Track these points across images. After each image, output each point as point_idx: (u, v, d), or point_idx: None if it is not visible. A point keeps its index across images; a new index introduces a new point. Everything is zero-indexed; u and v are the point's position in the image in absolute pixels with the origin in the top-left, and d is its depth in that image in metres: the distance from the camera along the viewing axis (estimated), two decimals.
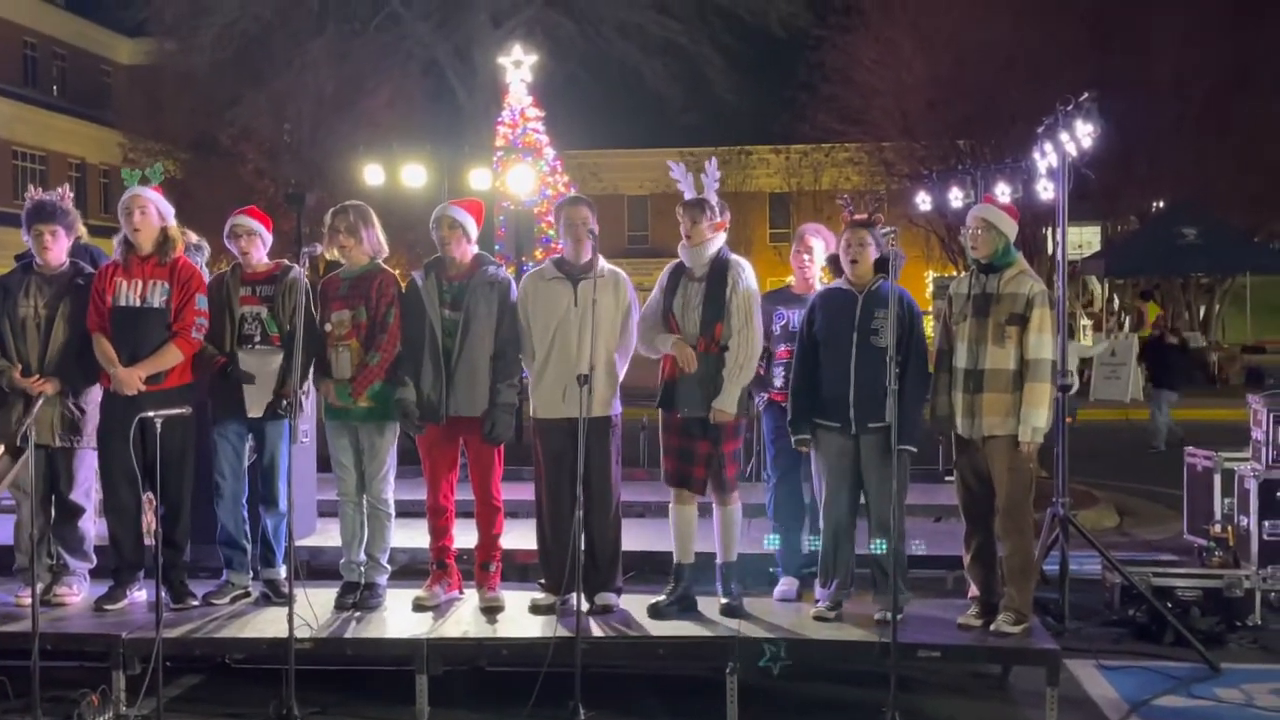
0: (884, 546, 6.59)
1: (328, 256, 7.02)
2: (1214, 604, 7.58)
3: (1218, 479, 8.94)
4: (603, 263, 6.76)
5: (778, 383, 7.10)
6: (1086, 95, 7.78)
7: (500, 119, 23.66)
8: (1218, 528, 8.38)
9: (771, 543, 7.17)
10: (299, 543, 7.47)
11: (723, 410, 6.55)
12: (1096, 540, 7.96)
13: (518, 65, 23.58)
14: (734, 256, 6.78)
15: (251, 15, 30.03)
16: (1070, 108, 7.82)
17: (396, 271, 7.22)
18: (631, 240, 44.18)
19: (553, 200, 22.39)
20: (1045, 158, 8.45)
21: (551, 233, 21.72)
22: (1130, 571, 7.57)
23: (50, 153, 39.96)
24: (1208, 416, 19.14)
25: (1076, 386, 17.15)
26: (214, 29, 29.66)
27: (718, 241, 6.75)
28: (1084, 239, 32.82)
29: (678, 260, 6.81)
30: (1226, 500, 8.75)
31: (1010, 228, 6.56)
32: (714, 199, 6.77)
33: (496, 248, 21.23)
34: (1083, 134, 7.78)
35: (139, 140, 33.15)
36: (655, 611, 6.64)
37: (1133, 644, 7.33)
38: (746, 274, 6.72)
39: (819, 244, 7.30)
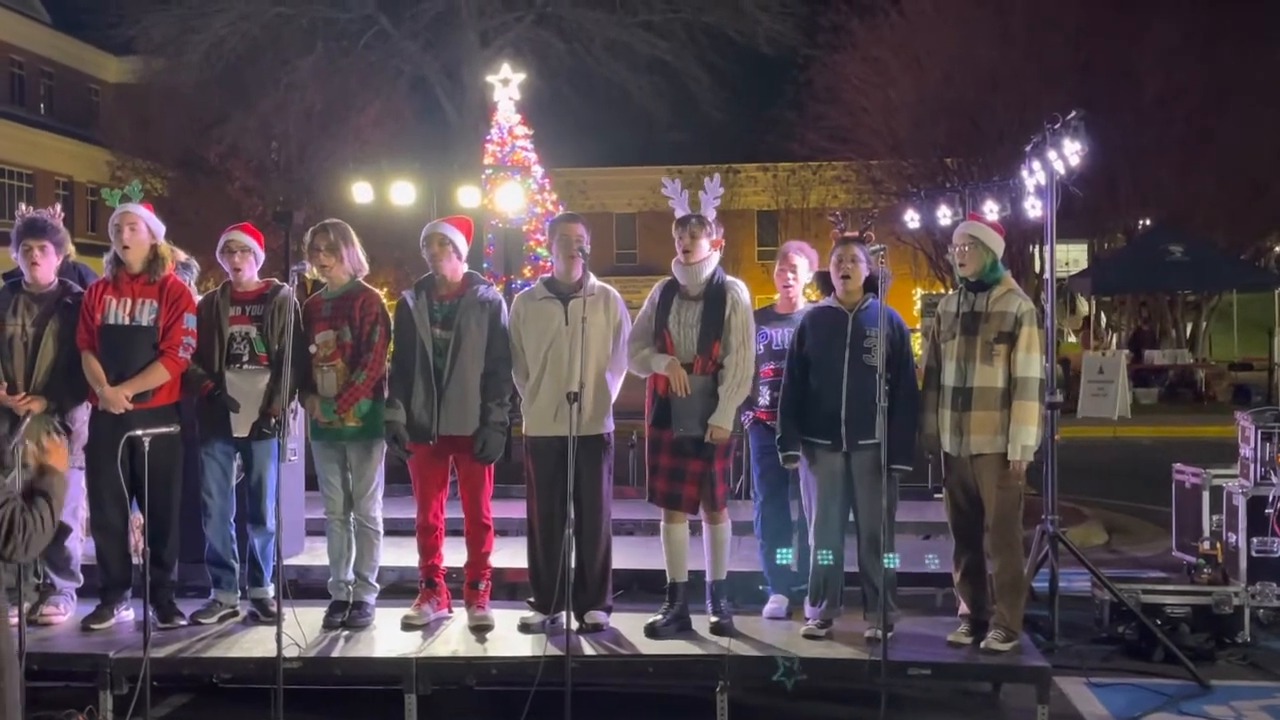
0: (829, 558, 6.61)
1: (309, 276, 7.01)
2: (1203, 621, 7.59)
3: (1206, 496, 8.94)
4: (593, 280, 6.75)
5: (763, 401, 7.09)
6: (1074, 114, 7.81)
7: (489, 137, 23.70)
8: (1206, 544, 8.38)
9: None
10: (287, 561, 7.40)
11: (720, 427, 6.53)
12: (1086, 557, 7.96)
13: (505, 83, 23.64)
14: (730, 277, 6.79)
15: (240, 34, 30.12)
16: (1058, 126, 7.84)
17: (384, 289, 7.21)
18: (619, 258, 44.15)
19: (541, 218, 22.44)
20: (1033, 176, 8.46)
21: (541, 250, 21.77)
22: (1120, 589, 7.58)
23: (38, 171, 39.88)
24: (1195, 433, 19.22)
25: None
26: (202, 47, 29.72)
27: (714, 260, 6.74)
28: (1070, 257, 32.93)
29: (670, 278, 6.79)
30: (1215, 517, 8.75)
31: (997, 244, 6.58)
32: (712, 215, 6.78)
33: (485, 265, 21.21)
34: (1070, 152, 7.80)
35: (126, 159, 33.14)
36: (652, 631, 6.61)
37: (1122, 661, 7.32)
38: (744, 294, 6.72)
39: (803, 261, 7.29)
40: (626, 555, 7.70)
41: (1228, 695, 6.75)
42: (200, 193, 29.83)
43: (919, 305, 33.00)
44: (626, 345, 6.78)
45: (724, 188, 7.15)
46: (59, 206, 7.39)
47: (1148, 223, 30.14)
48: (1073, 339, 28.56)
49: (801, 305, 7.23)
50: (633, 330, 6.81)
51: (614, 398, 6.85)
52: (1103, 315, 31.85)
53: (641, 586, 7.73)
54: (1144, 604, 7.53)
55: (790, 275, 7.28)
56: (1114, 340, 30.48)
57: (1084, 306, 32.81)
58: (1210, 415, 21.65)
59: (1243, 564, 8.07)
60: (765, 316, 7.31)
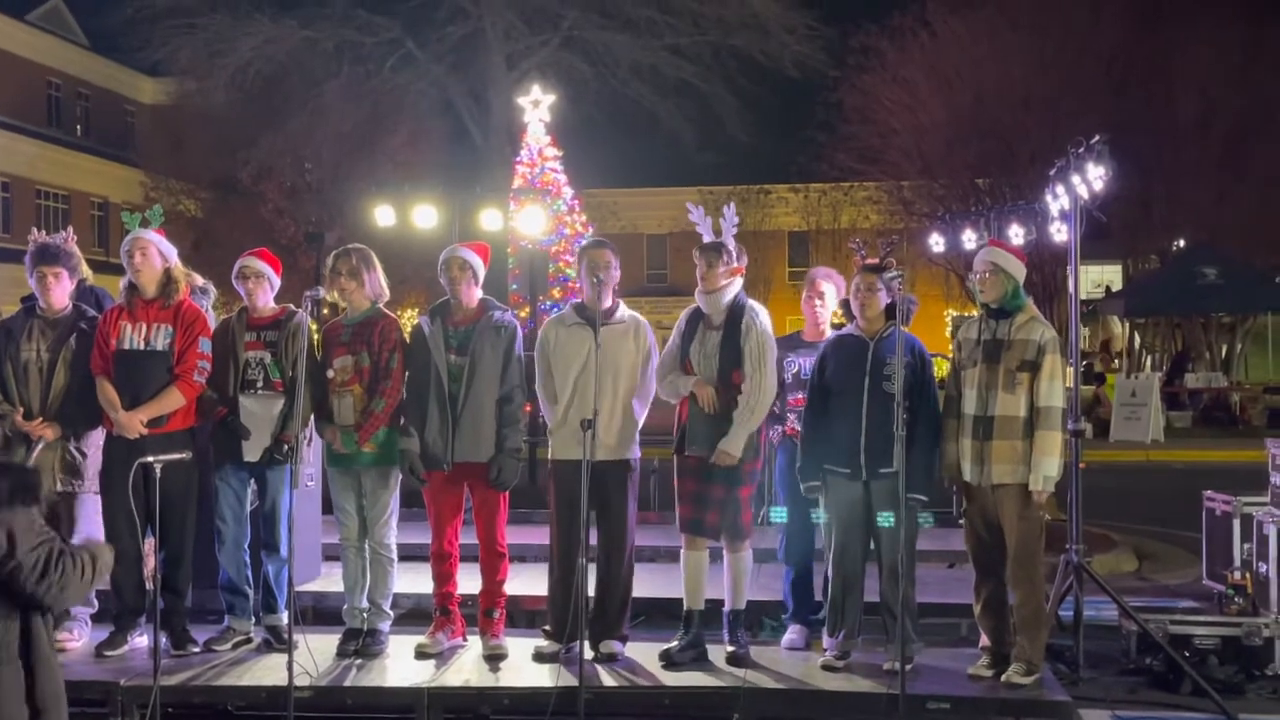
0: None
1: (328, 299, 6.99)
2: (1232, 652, 7.43)
3: (1236, 524, 8.79)
4: (623, 309, 6.73)
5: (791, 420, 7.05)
6: (1098, 138, 7.71)
7: (519, 158, 23.69)
8: (1236, 574, 8.22)
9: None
10: (303, 587, 7.40)
11: (727, 452, 6.46)
12: (1111, 587, 7.82)
13: (536, 105, 23.61)
14: (750, 302, 6.73)
15: (266, 57, 30.33)
16: (1081, 150, 7.74)
17: (416, 310, 7.19)
18: (650, 279, 44.18)
19: (571, 239, 22.39)
20: (1057, 200, 8.37)
21: (570, 271, 21.73)
22: (1146, 619, 7.43)
23: (73, 192, 40.19)
24: (1229, 457, 18.95)
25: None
26: (228, 71, 29.95)
27: (734, 287, 6.70)
28: (1105, 278, 32.69)
29: (695, 305, 6.76)
30: (1245, 545, 8.60)
31: (1018, 270, 6.49)
32: (731, 243, 6.72)
33: (513, 287, 21.21)
34: (1094, 177, 7.69)
35: (160, 180, 33.33)
36: (667, 659, 6.55)
37: (1149, 693, 7.17)
38: (761, 318, 6.67)
39: (830, 288, 7.24)
40: (647, 582, 7.61)
41: None
42: (233, 214, 29.93)
43: (950, 327, 32.78)
44: (655, 373, 6.74)
45: (756, 208, 7.13)
46: (71, 230, 7.41)
47: (1182, 244, 29.88)
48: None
49: (829, 333, 7.16)
50: (661, 357, 6.79)
51: (640, 424, 6.81)
52: (1135, 336, 31.56)
53: (662, 614, 7.63)
54: (1172, 635, 7.38)
55: (817, 302, 7.25)
56: (1148, 363, 30.20)
57: (1117, 328, 32.54)
58: (1244, 439, 21.33)
59: (1273, 594, 7.92)
60: (793, 344, 7.26)
